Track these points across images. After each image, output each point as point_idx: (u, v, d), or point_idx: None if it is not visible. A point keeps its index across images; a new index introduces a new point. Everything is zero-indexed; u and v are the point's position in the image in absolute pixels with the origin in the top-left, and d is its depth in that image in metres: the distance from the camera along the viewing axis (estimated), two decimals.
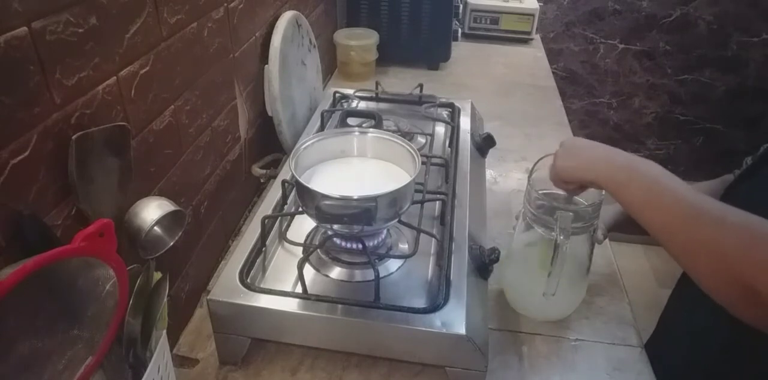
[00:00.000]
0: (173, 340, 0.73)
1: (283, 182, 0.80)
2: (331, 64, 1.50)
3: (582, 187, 0.69)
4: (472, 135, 0.99)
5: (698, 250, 0.53)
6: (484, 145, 1.01)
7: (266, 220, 0.73)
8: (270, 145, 1.02)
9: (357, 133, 0.77)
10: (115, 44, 0.53)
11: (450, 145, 0.95)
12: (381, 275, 0.65)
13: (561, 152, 0.70)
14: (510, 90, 1.47)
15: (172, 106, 0.66)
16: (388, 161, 0.76)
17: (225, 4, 0.78)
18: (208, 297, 0.64)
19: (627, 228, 0.89)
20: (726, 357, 0.76)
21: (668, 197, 0.57)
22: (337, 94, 1.09)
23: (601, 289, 0.84)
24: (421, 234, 0.71)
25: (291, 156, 0.70)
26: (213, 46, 0.76)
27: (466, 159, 0.91)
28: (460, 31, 1.74)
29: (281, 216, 0.78)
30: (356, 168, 0.76)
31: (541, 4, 1.89)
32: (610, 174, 0.63)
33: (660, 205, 0.57)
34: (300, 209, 0.71)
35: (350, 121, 0.96)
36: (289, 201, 0.81)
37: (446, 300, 0.64)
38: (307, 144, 0.73)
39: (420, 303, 0.66)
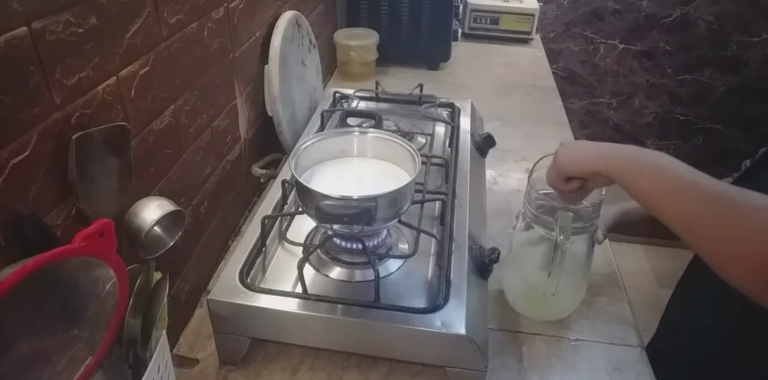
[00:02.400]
0: (173, 340, 0.73)
1: (283, 182, 0.80)
2: (331, 64, 1.50)
3: (583, 190, 0.68)
4: (472, 135, 0.99)
5: (719, 235, 0.51)
6: (484, 145, 1.01)
7: (266, 220, 0.73)
8: (270, 145, 1.02)
9: (357, 133, 0.77)
10: (115, 44, 0.53)
11: (450, 145, 0.95)
12: (381, 275, 0.65)
13: (562, 149, 0.68)
14: (510, 90, 1.47)
15: (172, 106, 0.66)
16: (388, 161, 0.76)
17: (225, 4, 0.78)
18: (208, 297, 0.64)
19: (627, 228, 0.89)
20: (727, 357, 0.76)
21: (682, 183, 0.55)
22: (337, 94, 1.09)
23: (601, 289, 0.84)
24: (421, 234, 0.71)
25: (291, 156, 0.70)
26: (213, 46, 0.76)
27: (466, 159, 0.91)
28: (460, 31, 1.74)
29: (281, 216, 0.78)
30: (356, 168, 0.76)
31: (541, 4, 1.90)
32: (619, 163, 0.61)
33: (675, 192, 0.56)
34: (300, 209, 0.71)
35: (350, 121, 0.96)
36: (289, 201, 0.81)
37: (446, 300, 0.64)
38: (307, 144, 0.73)
39: (420, 303, 0.66)
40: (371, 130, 0.78)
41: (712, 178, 0.55)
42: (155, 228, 0.57)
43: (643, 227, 0.86)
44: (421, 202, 0.76)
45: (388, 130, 0.81)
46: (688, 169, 0.57)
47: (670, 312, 0.91)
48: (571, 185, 0.67)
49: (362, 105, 1.10)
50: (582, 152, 0.66)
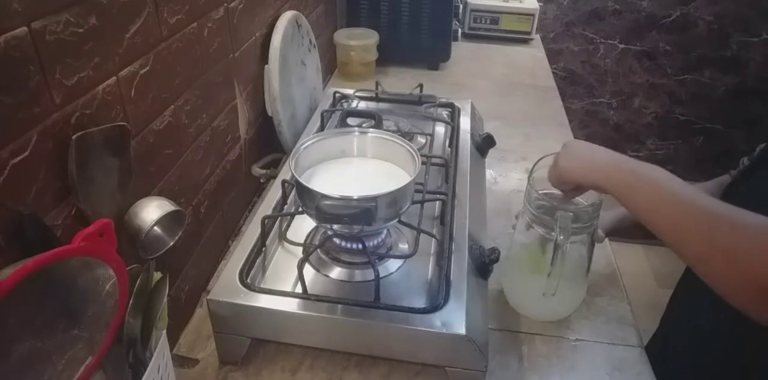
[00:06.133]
0: (173, 340, 0.73)
1: (283, 182, 0.80)
2: (331, 64, 1.50)
3: (580, 189, 0.69)
4: (472, 135, 0.99)
5: (713, 254, 0.52)
6: (484, 145, 1.01)
7: (266, 220, 0.73)
8: (270, 145, 1.02)
9: (357, 133, 0.77)
10: (115, 44, 0.53)
11: (450, 145, 0.95)
12: (381, 275, 0.65)
13: (564, 153, 0.69)
14: (510, 90, 1.47)
15: (172, 106, 0.66)
16: (388, 161, 0.76)
17: (225, 4, 0.78)
18: (208, 297, 0.64)
19: (625, 233, 0.89)
20: (727, 357, 0.76)
21: (679, 201, 0.56)
22: (337, 94, 1.08)
23: (601, 289, 0.84)
24: (421, 234, 0.71)
25: (291, 156, 0.70)
26: (213, 46, 0.76)
27: (466, 159, 0.91)
28: (460, 31, 1.74)
29: (281, 216, 0.78)
30: (356, 168, 0.76)
31: (541, 4, 1.90)
32: (617, 177, 0.62)
33: (671, 210, 0.56)
34: (300, 209, 0.71)
35: (350, 121, 0.96)
36: (289, 201, 0.81)
37: (446, 300, 0.64)
38: (307, 144, 0.73)
39: (420, 303, 0.66)
40: (371, 130, 0.78)
41: (708, 196, 0.56)
42: (155, 228, 0.57)
43: (640, 231, 0.86)
44: (421, 202, 0.75)
45: (388, 130, 0.81)
46: (684, 185, 0.58)
47: (669, 312, 0.91)
48: (569, 186, 0.69)
49: (362, 105, 1.10)
50: (581, 161, 0.67)
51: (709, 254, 0.53)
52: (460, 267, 0.69)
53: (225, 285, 0.66)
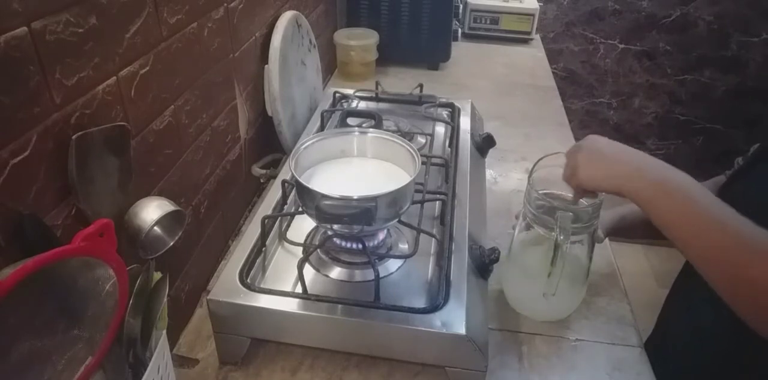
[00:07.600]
0: (173, 340, 0.73)
1: (283, 182, 0.80)
2: (331, 64, 1.51)
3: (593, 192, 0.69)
4: (472, 135, 0.99)
5: (739, 282, 0.52)
6: (484, 145, 1.01)
7: (266, 220, 0.73)
8: (270, 145, 1.02)
9: (357, 133, 0.77)
10: (115, 44, 0.53)
11: (450, 145, 0.95)
12: (381, 275, 0.65)
13: (583, 159, 0.66)
14: (510, 90, 1.47)
15: (172, 106, 0.66)
16: (388, 161, 0.76)
17: (225, 4, 0.78)
18: (208, 297, 0.64)
19: (625, 233, 0.89)
20: (727, 357, 0.76)
21: (709, 220, 0.55)
22: (337, 94, 1.08)
23: (601, 289, 0.84)
24: (421, 234, 0.71)
25: (291, 156, 0.70)
26: (213, 46, 0.76)
27: (466, 159, 0.91)
28: (460, 31, 1.74)
29: (281, 216, 0.78)
30: (356, 168, 0.76)
31: (541, 4, 1.90)
32: (641, 188, 0.60)
33: (697, 229, 0.55)
34: (300, 209, 0.71)
35: (350, 121, 0.96)
36: (289, 201, 0.81)
37: (446, 300, 0.64)
38: (307, 144, 0.73)
39: (420, 303, 0.66)
40: (371, 130, 0.78)
41: (738, 215, 0.54)
42: (155, 228, 0.57)
43: (641, 231, 0.86)
44: (421, 202, 0.75)
45: (388, 130, 0.81)
46: (713, 200, 0.56)
47: (667, 310, 0.92)
48: (585, 193, 0.69)
49: (362, 105, 1.10)
50: (603, 168, 0.64)
51: (734, 282, 0.53)
52: (460, 267, 0.69)
53: (225, 285, 0.66)
